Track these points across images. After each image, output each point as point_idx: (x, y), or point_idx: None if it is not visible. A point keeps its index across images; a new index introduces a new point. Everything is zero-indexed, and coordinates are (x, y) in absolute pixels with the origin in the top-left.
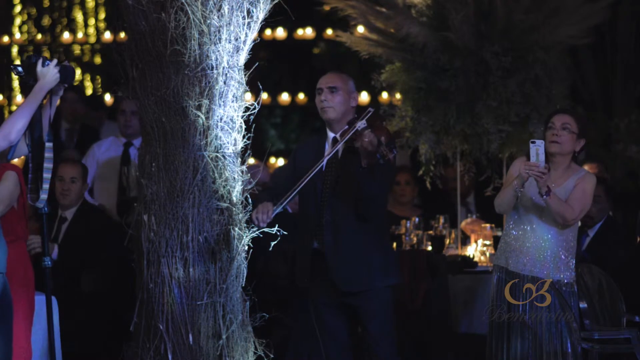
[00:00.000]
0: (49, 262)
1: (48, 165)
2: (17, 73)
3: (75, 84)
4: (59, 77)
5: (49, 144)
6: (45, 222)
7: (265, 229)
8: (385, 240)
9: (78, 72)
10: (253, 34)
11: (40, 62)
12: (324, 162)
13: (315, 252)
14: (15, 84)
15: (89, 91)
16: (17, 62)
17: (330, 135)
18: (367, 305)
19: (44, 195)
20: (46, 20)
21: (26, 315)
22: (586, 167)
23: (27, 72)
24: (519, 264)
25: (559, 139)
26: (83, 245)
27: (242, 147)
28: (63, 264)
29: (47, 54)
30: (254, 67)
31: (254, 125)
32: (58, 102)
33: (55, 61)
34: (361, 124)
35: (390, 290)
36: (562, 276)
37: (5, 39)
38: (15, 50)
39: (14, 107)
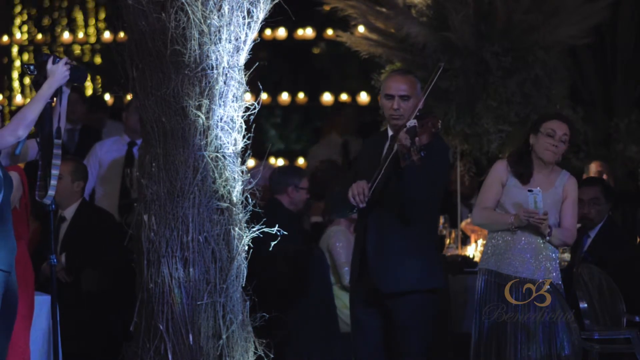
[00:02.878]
0: (55, 261)
1: (56, 161)
2: (30, 72)
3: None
4: (68, 76)
5: (57, 141)
6: (53, 220)
7: (266, 229)
8: (428, 243)
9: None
10: (253, 34)
11: (50, 60)
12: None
13: (363, 249)
14: (16, 84)
15: (89, 91)
16: (26, 60)
17: (390, 133)
18: (403, 310)
19: (51, 192)
20: (46, 20)
21: (24, 315)
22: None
23: (39, 71)
24: (511, 267)
25: (556, 150)
26: (83, 245)
27: (242, 147)
28: (67, 262)
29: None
30: (254, 67)
31: (254, 125)
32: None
33: (65, 59)
34: (411, 123)
35: (432, 296)
36: (552, 277)
37: (5, 39)
38: (15, 50)
39: (13, 107)
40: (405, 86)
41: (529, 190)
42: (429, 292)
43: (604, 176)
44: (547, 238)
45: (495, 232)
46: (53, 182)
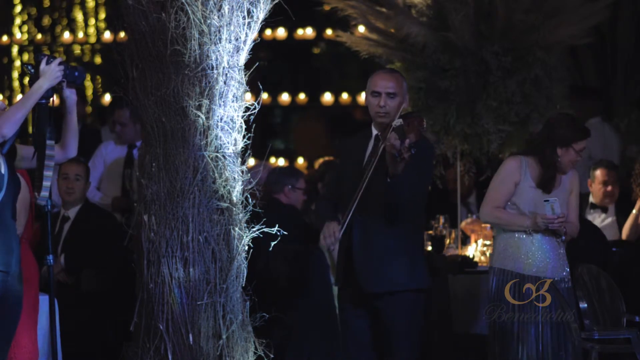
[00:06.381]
0: (52, 260)
1: (49, 162)
2: (29, 72)
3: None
4: (60, 77)
5: (50, 142)
6: (50, 220)
7: (266, 229)
8: (415, 242)
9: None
10: (253, 34)
11: (44, 60)
12: (365, 159)
13: (349, 250)
14: (16, 84)
15: (89, 91)
16: (26, 60)
17: (374, 132)
18: (392, 309)
19: (44, 193)
20: (46, 20)
21: (29, 315)
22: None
23: (36, 71)
24: (526, 266)
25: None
26: (84, 245)
27: (242, 147)
28: (66, 263)
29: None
30: (254, 67)
31: (254, 125)
32: (56, 100)
33: (58, 59)
34: (397, 122)
35: (419, 295)
36: (565, 273)
37: (5, 39)
38: (15, 50)
39: None
40: (392, 83)
41: (545, 200)
42: (416, 291)
43: (609, 187)
44: (563, 238)
45: (508, 231)
46: (46, 183)
